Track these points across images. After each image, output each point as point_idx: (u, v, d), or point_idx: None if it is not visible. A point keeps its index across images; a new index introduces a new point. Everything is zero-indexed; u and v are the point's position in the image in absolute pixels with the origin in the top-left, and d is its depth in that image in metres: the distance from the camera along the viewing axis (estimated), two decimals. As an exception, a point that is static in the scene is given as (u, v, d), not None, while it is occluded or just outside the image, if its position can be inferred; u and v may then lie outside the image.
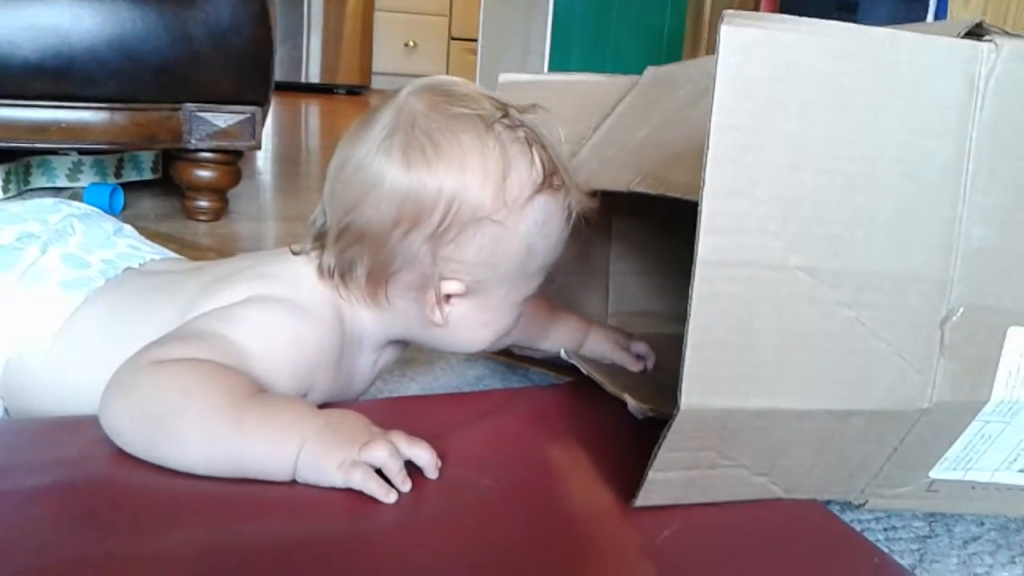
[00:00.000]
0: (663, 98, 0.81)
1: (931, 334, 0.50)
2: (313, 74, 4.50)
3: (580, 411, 0.70)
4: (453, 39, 4.85)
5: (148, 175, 1.78)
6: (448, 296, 0.60)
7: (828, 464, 0.55)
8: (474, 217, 0.57)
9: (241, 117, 1.44)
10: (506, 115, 0.59)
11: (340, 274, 0.60)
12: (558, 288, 0.96)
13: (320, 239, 0.62)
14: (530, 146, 0.59)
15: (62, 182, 1.64)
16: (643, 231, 1.00)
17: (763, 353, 0.49)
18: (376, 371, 0.68)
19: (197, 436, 0.51)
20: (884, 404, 0.51)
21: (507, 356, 0.90)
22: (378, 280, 0.60)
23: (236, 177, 1.53)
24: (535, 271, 0.63)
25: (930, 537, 0.62)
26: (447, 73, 5.12)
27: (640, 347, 0.84)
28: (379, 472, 0.51)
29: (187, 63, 1.37)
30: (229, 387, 0.52)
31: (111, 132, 1.35)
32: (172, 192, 1.65)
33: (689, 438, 0.50)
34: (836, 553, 0.53)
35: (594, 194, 0.65)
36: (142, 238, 0.76)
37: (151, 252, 0.72)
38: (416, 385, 0.86)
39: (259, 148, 1.49)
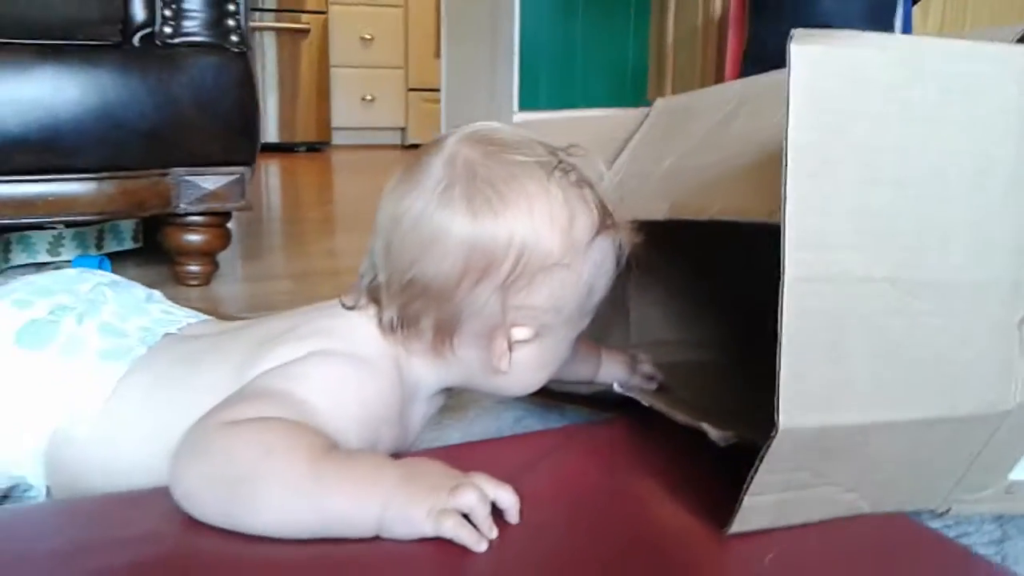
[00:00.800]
0: (683, 127, 0.81)
1: (1011, 336, 0.50)
2: (271, 133, 4.49)
3: (637, 444, 0.69)
4: (411, 90, 4.88)
5: (130, 244, 1.74)
6: (516, 344, 0.60)
7: (914, 475, 0.55)
8: (544, 264, 0.57)
9: (230, 178, 1.42)
10: (560, 160, 0.59)
11: (404, 328, 0.59)
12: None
13: (374, 293, 0.61)
14: (583, 189, 0.60)
15: (43, 257, 1.60)
16: (658, 260, 1.00)
17: (855, 367, 0.48)
18: (424, 421, 0.67)
19: (278, 496, 0.49)
20: (972, 409, 0.50)
21: (540, 395, 0.89)
22: (445, 333, 0.59)
23: (226, 239, 1.50)
24: (590, 309, 0.63)
25: (1005, 540, 0.62)
26: (407, 123, 5.15)
27: (646, 368, 0.84)
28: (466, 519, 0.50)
29: (173, 127, 1.35)
30: (307, 445, 0.51)
31: (99, 203, 1.33)
32: (156, 260, 1.62)
33: (785, 459, 0.49)
34: (939, 563, 0.52)
35: (639, 228, 0.65)
36: (172, 303, 0.74)
37: (185, 316, 0.70)
38: (456, 433, 0.84)
39: (250, 209, 1.48)
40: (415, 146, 4.84)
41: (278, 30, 4.43)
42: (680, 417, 0.62)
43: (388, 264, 0.59)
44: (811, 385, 0.48)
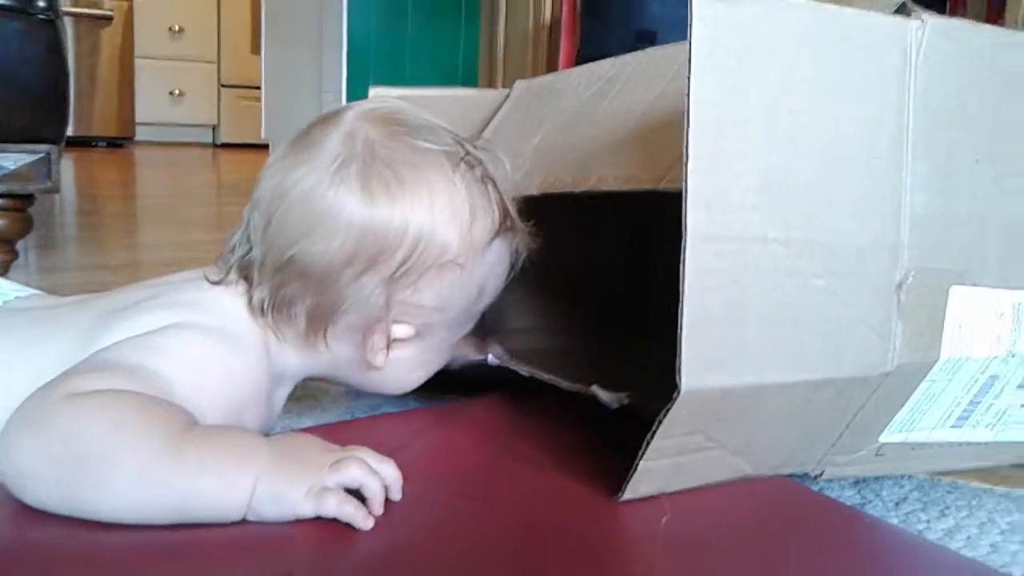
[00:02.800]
0: (548, 105, 0.81)
1: (889, 299, 0.52)
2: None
3: (516, 417, 0.67)
4: (224, 86, 4.66)
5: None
6: (396, 341, 0.57)
7: (794, 437, 0.56)
8: (438, 261, 0.55)
9: (34, 157, 1.28)
10: (467, 152, 0.57)
11: (275, 311, 0.54)
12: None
13: (245, 269, 0.55)
14: (487, 187, 0.58)
15: None
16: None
17: (752, 329, 0.49)
18: (282, 404, 0.62)
19: (131, 475, 0.43)
20: (854, 371, 0.52)
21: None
22: (320, 322, 0.55)
23: (27, 225, 1.36)
24: (476, 313, 0.62)
25: (866, 504, 0.65)
26: (219, 121, 4.91)
27: (496, 349, 0.83)
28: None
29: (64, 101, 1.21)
30: (164, 419, 0.45)
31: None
32: (-55, 247, 1.44)
33: (684, 422, 0.49)
34: (829, 522, 0.53)
35: (537, 234, 0.63)
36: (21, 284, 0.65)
37: (13, 289, 0.62)
38: (308, 420, 0.79)
39: (56, 191, 1.34)
40: (229, 145, 4.65)
41: (76, 15, 4.10)
42: (566, 384, 0.61)
43: (266, 240, 0.54)
44: (712, 346, 0.47)
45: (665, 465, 0.51)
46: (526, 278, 1.01)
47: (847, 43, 0.50)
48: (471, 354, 0.81)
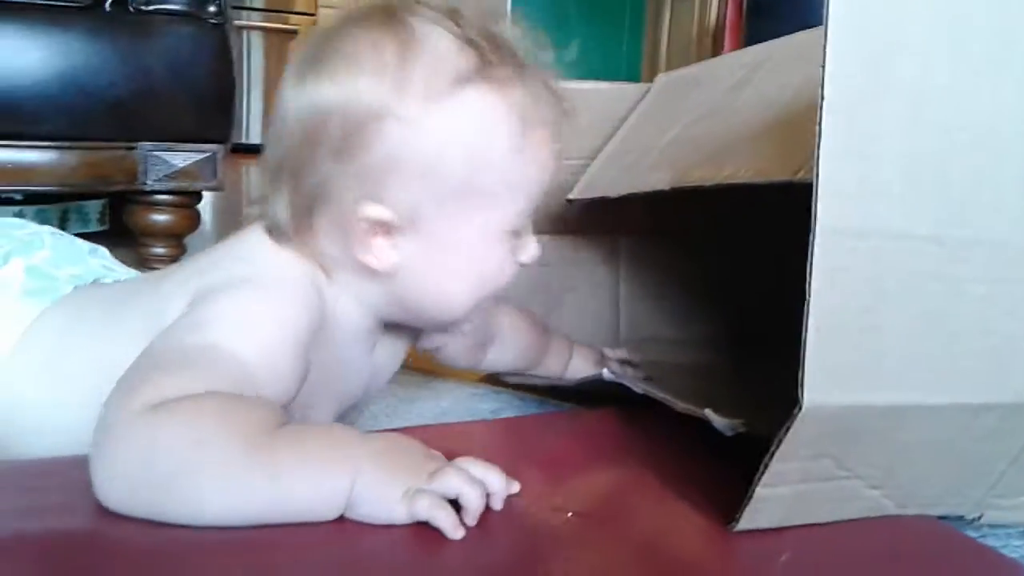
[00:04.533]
0: (688, 97, 0.75)
1: (1068, 311, 0.44)
2: (255, 134, 4.41)
3: (629, 433, 0.62)
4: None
5: (95, 226, 1.67)
6: (382, 229, 0.50)
7: (946, 472, 0.48)
8: (372, 116, 0.47)
9: (201, 156, 1.34)
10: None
11: (273, 222, 0.52)
12: (563, 310, 0.89)
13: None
14: (458, 27, 0.49)
15: None
16: (652, 251, 0.93)
17: (890, 339, 0.42)
18: (373, 367, 0.59)
19: (219, 491, 0.41)
20: (1020, 395, 0.44)
21: (523, 389, 0.82)
22: (301, 217, 0.51)
23: (195, 221, 1.42)
24: (498, 192, 0.51)
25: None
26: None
27: (614, 363, 0.77)
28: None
29: (143, 98, 1.27)
30: (249, 423, 0.43)
31: (60, 174, 1.25)
32: (122, 243, 1.52)
33: (807, 443, 0.42)
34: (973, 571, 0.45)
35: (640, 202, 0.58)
36: (117, 261, 0.66)
37: (125, 272, 0.63)
38: (423, 421, 0.77)
39: (222, 189, 1.40)
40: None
41: (265, 30, 4.36)
42: (680, 405, 0.55)
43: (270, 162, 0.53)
44: (840, 357, 0.41)
45: (786, 493, 0.45)
46: (668, 285, 0.97)
47: (1011, 24, 0.42)
48: (587, 368, 0.77)
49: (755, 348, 0.84)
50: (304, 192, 0.50)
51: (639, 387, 0.63)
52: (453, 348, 0.67)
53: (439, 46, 0.49)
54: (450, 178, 0.49)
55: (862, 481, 0.46)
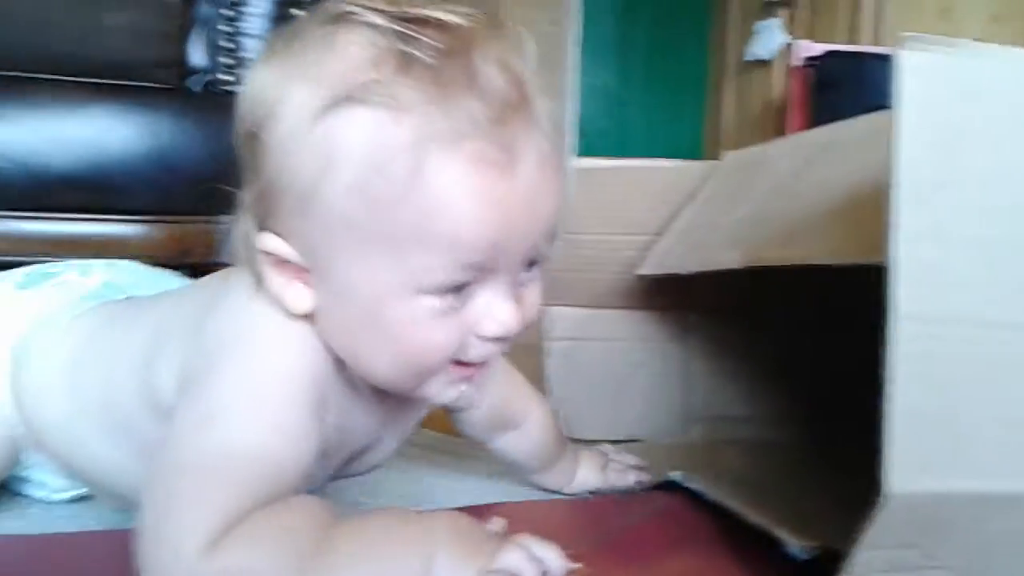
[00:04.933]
0: (756, 176, 0.76)
1: None
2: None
3: (704, 513, 0.61)
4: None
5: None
6: (287, 266, 0.46)
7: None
8: (268, 114, 0.44)
9: (277, 230, 1.39)
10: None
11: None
12: (633, 385, 0.89)
13: None
14: (406, 39, 0.41)
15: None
16: (722, 328, 0.93)
17: (977, 426, 0.41)
18: (383, 429, 0.56)
19: None
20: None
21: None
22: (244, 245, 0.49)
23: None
24: (401, 238, 0.42)
25: None
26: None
27: (630, 458, 0.73)
28: None
29: (225, 175, 1.33)
30: (310, 540, 0.41)
31: (147, 246, 1.30)
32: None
33: (893, 532, 0.42)
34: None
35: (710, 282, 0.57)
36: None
37: (131, 282, 0.72)
38: (463, 497, 0.72)
39: (295, 261, 1.44)
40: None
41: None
42: (753, 518, 0.55)
43: None
44: (924, 444, 0.41)
45: (870, 581, 0.44)
46: (738, 361, 0.96)
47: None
48: (595, 477, 0.71)
49: (828, 424, 0.83)
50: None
51: (712, 495, 0.62)
52: (469, 414, 0.65)
53: (349, 52, 0.42)
54: (336, 214, 0.42)
55: (950, 572, 0.45)
